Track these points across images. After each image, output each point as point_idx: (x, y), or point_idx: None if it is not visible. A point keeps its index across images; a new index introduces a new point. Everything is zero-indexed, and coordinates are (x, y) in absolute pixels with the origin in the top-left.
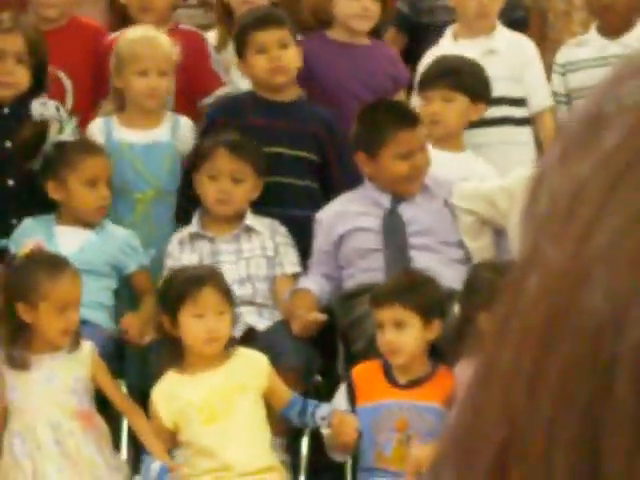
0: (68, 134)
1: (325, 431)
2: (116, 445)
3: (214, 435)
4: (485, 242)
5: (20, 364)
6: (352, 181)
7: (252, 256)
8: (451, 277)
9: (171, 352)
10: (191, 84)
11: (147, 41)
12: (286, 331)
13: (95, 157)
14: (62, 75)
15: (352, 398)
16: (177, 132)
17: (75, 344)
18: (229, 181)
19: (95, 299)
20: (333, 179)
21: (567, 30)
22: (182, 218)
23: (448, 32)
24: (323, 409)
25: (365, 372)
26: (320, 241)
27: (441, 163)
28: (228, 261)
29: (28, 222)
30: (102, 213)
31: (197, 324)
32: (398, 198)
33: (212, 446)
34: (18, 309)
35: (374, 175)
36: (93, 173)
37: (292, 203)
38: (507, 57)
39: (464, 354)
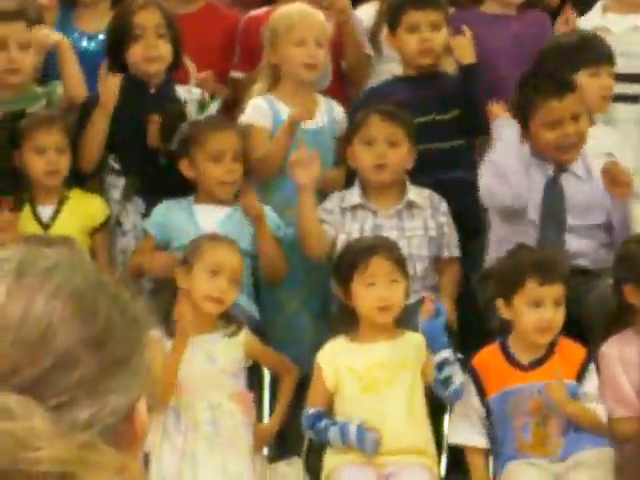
0: (211, 112)
1: None
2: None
3: (371, 405)
4: None
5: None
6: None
7: (414, 235)
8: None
9: (346, 321)
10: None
11: (302, 13)
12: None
13: (219, 133)
14: (186, 59)
15: (481, 391)
16: (332, 116)
17: (237, 329)
18: (385, 145)
19: None
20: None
21: None
22: None
23: (598, 5)
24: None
25: (486, 359)
26: None
27: None
28: (390, 237)
29: (166, 204)
30: (230, 188)
31: (368, 292)
32: (560, 168)
33: (366, 417)
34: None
35: (532, 145)
36: (217, 149)
37: (441, 167)
38: None
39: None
